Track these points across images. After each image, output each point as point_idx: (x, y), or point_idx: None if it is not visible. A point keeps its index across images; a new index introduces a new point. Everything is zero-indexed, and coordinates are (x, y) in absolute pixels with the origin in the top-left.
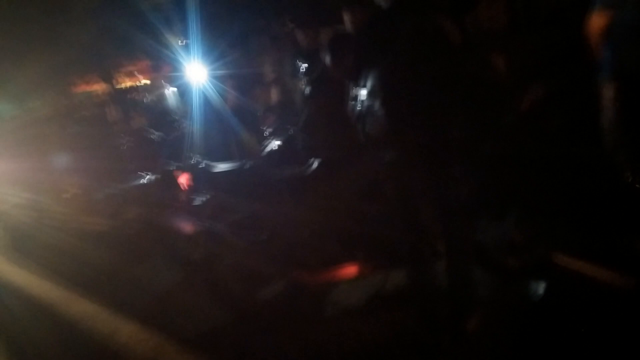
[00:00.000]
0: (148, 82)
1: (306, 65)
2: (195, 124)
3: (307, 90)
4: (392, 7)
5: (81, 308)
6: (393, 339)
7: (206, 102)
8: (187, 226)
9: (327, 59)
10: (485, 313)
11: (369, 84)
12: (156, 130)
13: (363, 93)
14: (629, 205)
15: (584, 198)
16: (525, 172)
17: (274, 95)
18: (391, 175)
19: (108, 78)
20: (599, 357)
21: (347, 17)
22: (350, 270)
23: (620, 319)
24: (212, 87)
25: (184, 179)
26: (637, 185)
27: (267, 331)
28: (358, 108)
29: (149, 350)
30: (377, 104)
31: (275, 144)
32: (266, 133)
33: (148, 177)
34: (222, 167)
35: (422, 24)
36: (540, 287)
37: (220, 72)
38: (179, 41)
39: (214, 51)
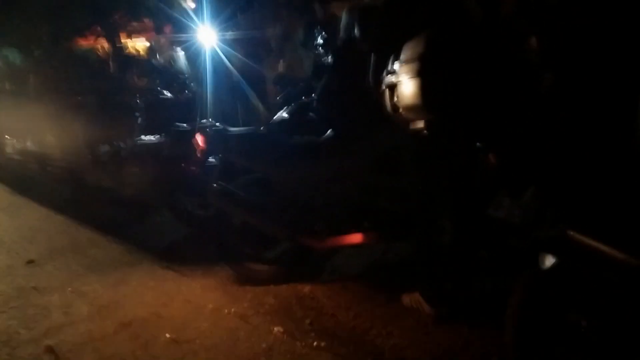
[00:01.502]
0: (158, 42)
1: (324, 35)
2: (205, 87)
3: (328, 60)
4: None
5: (90, 254)
6: (391, 306)
7: (215, 66)
8: (197, 184)
9: (355, 31)
10: (486, 286)
11: (402, 54)
12: (166, 90)
13: (395, 64)
14: None
15: (602, 179)
16: (545, 152)
17: (285, 63)
18: (412, 146)
19: (114, 34)
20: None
21: None
22: (355, 237)
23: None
24: (222, 51)
25: (199, 139)
26: None
27: (270, 287)
28: (388, 78)
29: (156, 298)
30: (410, 75)
31: (287, 111)
32: (278, 100)
33: (159, 135)
34: (236, 129)
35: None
36: (552, 263)
37: (229, 37)
38: (189, 2)
39: (224, 15)
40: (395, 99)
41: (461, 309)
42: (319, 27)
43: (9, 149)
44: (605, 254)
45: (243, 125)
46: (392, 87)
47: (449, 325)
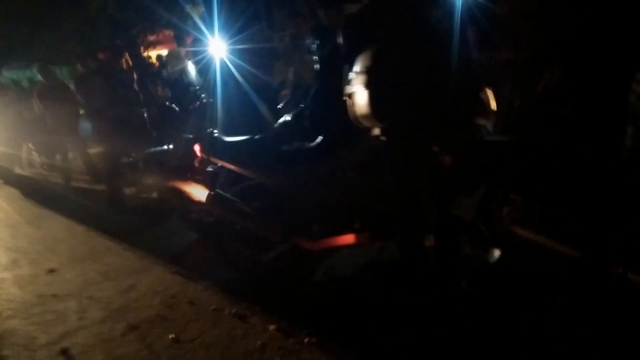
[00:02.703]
0: (170, 54)
1: (318, 42)
2: (215, 97)
3: (317, 67)
4: None
5: (106, 262)
6: (383, 302)
7: (225, 75)
8: (201, 192)
9: (339, 38)
10: (468, 280)
11: (355, 66)
12: (177, 101)
13: (350, 74)
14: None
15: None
16: (497, 154)
17: (291, 70)
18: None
19: (131, 47)
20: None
21: None
22: (348, 238)
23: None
24: (232, 61)
25: (196, 147)
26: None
27: (269, 288)
28: (347, 88)
29: (163, 301)
30: (361, 86)
31: (287, 118)
32: (279, 106)
33: (168, 145)
34: (231, 138)
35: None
36: (500, 255)
37: (239, 47)
38: (200, 14)
39: (234, 25)
40: (352, 107)
41: (447, 301)
42: (319, 32)
43: (36, 164)
44: (546, 248)
45: (251, 134)
46: (351, 96)
47: (435, 317)
